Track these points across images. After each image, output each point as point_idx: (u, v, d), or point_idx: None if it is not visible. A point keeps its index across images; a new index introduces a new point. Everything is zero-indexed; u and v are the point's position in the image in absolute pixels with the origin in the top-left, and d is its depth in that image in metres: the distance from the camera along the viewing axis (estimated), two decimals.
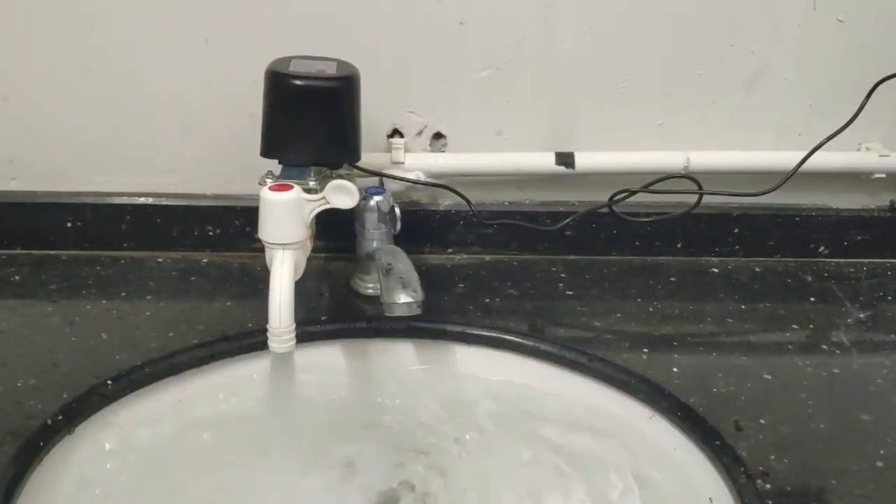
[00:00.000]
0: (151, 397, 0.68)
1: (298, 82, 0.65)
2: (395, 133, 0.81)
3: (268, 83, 0.66)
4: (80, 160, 0.81)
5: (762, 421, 0.64)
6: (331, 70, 0.67)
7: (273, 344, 0.64)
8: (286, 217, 0.65)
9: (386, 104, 0.79)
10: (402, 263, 0.69)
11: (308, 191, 0.66)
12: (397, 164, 0.79)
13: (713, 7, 0.77)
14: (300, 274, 0.67)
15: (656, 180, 0.76)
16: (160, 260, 0.82)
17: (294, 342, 0.64)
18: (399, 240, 0.75)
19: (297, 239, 0.65)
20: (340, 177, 0.69)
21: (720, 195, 0.76)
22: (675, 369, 0.69)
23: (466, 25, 0.77)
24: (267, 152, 0.68)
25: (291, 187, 0.65)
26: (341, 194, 0.65)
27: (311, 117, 0.66)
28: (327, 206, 0.66)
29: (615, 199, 0.76)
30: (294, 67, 0.66)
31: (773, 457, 0.61)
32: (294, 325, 0.64)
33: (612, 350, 0.71)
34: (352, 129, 0.68)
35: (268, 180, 0.66)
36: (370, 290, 0.77)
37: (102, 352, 0.69)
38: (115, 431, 0.66)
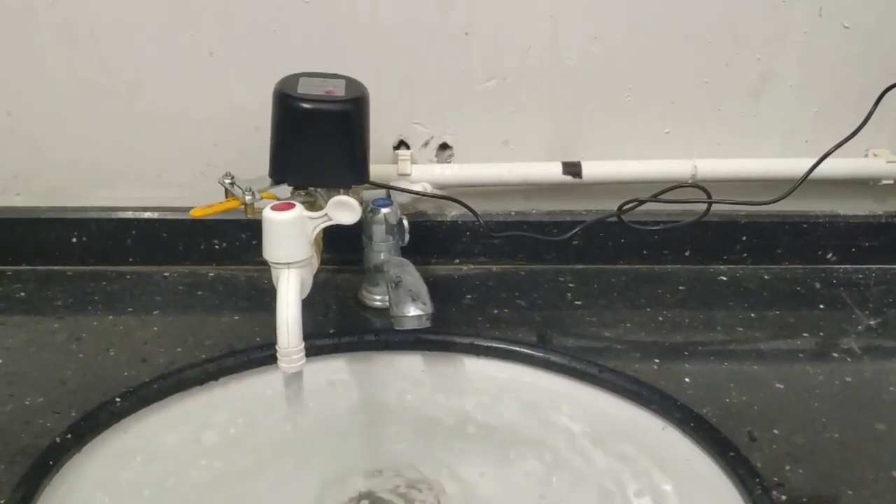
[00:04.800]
0: (160, 413, 0.68)
1: (307, 105, 0.64)
2: (402, 144, 0.81)
3: (276, 104, 0.65)
4: (85, 175, 0.81)
5: (776, 431, 0.64)
6: (339, 91, 0.66)
7: (283, 364, 0.63)
8: (289, 236, 0.64)
9: (392, 116, 0.79)
10: (411, 276, 0.68)
11: (309, 205, 0.66)
12: (404, 175, 0.79)
13: (718, 14, 0.77)
14: (307, 291, 0.66)
15: (665, 189, 0.75)
16: (166, 274, 0.82)
17: (304, 361, 0.63)
18: (406, 251, 0.75)
19: (301, 257, 0.64)
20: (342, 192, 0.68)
21: (728, 203, 0.76)
22: (686, 379, 0.69)
23: (472, 36, 0.77)
24: (275, 173, 0.67)
25: (293, 206, 0.64)
26: (343, 210, 0.64)
27: (320, 140, 0.66)
28: (330, 223, 0.65)
29: (624, 208, 0.76)
30: (303, 89, 0.65)
31: (787, 467, 0.60)
32: (303, 344, 0.63)
33: (622, 360, 0.71)
34: (361, 151, 0.67)
35: (227, 181, 0.66)
36: (378, 303, 0.77)
37: (110, 368, 0.69)
38: (125, 448, 0.66)
